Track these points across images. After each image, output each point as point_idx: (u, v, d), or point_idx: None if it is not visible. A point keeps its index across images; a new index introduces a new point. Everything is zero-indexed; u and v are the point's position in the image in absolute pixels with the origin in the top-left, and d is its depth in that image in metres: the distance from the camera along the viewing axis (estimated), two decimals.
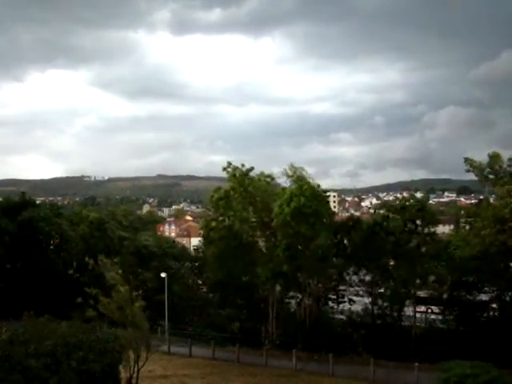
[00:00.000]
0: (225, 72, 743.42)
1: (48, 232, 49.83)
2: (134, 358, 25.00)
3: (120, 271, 29.06)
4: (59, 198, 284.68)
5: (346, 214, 51.68)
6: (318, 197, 39.42)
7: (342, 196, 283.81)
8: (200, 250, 50.49)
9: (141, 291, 42.03)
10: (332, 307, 44.18)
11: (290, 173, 40.32)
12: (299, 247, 38.44)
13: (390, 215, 41.74)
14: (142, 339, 25.75)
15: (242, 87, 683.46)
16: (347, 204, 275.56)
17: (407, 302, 41.37)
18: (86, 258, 42.09)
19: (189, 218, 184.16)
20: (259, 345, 40.08)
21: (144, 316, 26.32)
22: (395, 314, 41.76)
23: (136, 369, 25.10)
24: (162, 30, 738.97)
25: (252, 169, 41.24)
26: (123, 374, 23.76)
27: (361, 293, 43.49)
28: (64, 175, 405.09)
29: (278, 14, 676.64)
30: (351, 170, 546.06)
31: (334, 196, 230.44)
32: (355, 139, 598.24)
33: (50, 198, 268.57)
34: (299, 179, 39.58)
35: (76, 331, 20.44)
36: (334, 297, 43.96)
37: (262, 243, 41.81)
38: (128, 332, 24.75)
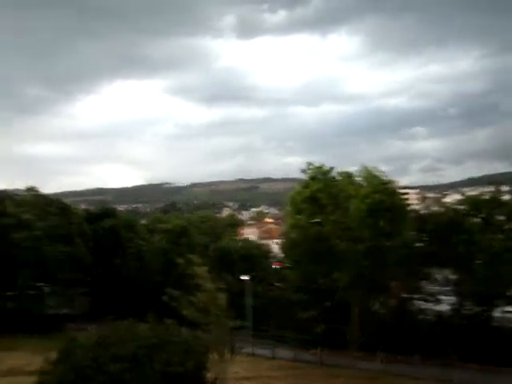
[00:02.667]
0: (294, 72, 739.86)
1: (129, 238, 51.71)
2: (219, 360, 25.35)
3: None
4: (141, 205, 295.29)
5: (427, 212, 49.83)
6: (392, 193, 38.84)
7: (423, 193, 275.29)
8: (283, 252, 50.43)
9: (225, 294, 43.20)
10: (417, 307, 42.83)
11: (364, 173, 39.81)
12: (380, 245, 37.49)
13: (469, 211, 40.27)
14: (226, 340, 26.05)
15: (311, 86, 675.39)
16: (429, 201, 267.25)
17: (498, 302, 39.41)
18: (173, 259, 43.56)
19: (269, 220, 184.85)
20: (342, 347, 39.59)
21: (229, 316, 26.58)
22: (485, 314, 39.88)
23: (221, 370, 25.42)
24: (229, 35, 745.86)
25: (332, 169, 41.10)
26: (208, 376, 24.17)
27: (447, 292, 41.96)
28: (145, 183, 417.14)
29: (342, 11, 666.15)
30: (429, 165, 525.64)
31: (415, 193, 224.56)
32: (431, 133, 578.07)
33: (134, 206, 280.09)
34: (372, 177, 39.04)
35: (157, 333, 20.95)
36: (419, 296, 42.59)
37: (342, 245, 41.19)
38: (211, 333, 25.07)
